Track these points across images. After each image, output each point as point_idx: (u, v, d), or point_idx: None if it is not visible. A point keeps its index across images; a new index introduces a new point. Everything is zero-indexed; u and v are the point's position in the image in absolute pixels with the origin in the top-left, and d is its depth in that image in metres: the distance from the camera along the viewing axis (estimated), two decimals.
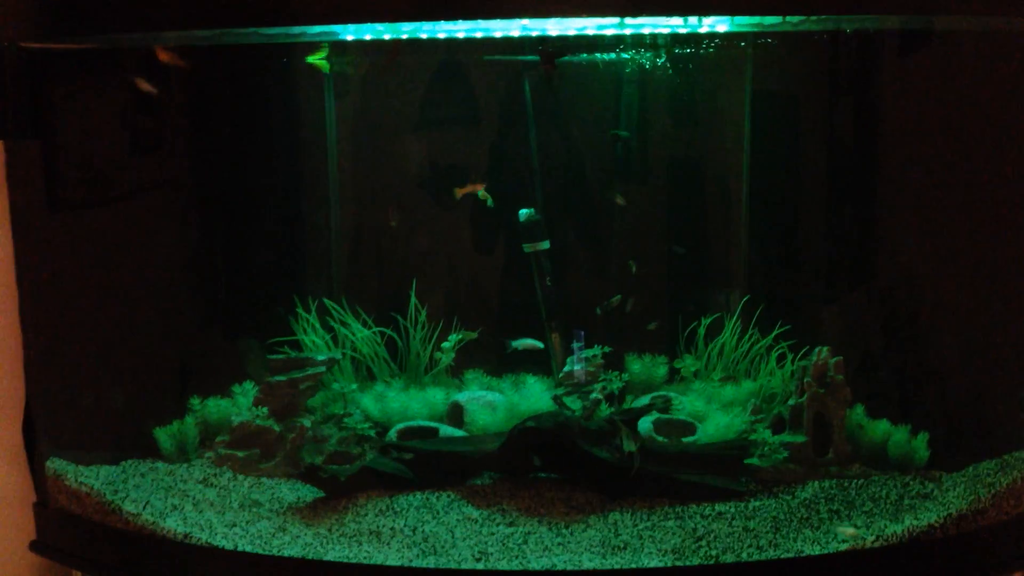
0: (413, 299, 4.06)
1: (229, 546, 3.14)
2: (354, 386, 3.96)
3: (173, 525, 3.23)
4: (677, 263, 4.13)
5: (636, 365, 4.07)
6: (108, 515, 3.34)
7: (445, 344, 4.05)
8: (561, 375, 3.94)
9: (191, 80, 3.74)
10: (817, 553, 3.04)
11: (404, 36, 3.46)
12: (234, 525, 3.26)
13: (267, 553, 3.10)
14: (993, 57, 3.43)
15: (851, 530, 3.14)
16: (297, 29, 3.10)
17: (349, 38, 3.57)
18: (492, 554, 3.09)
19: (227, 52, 3.69)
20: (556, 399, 3.72)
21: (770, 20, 3.17)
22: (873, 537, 3.09)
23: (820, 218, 3.98)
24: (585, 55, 3.83)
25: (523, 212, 4.00)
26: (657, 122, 4.05)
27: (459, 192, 3.98)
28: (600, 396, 3.73)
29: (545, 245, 4.01)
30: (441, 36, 3.49)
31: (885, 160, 3.75)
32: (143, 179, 3.69)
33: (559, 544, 3.13)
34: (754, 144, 3.98)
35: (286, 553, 3.10)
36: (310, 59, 3.86)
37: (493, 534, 3.20)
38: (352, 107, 4.08)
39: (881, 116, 3.77)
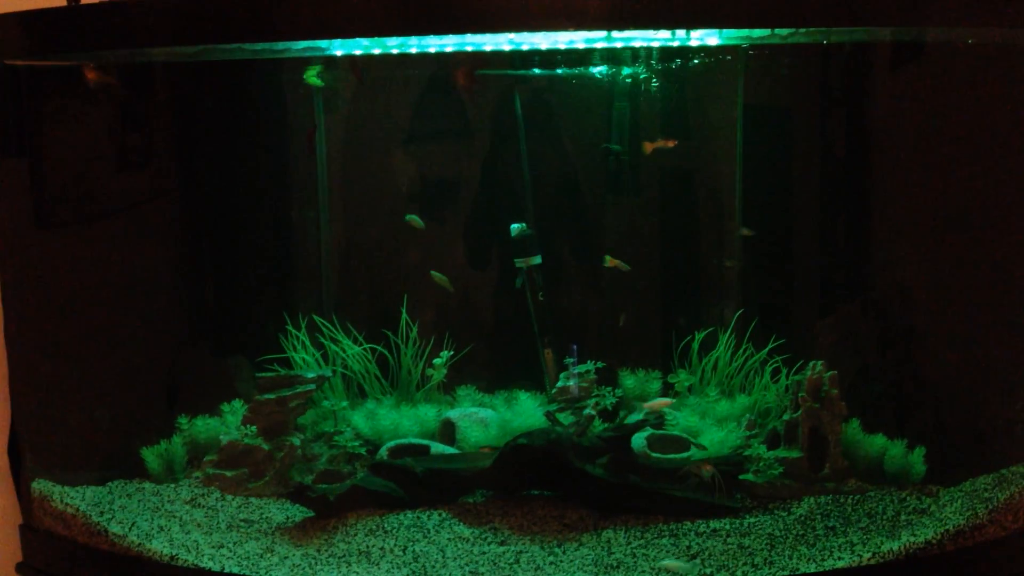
0: (404, 315, 4.02)
1: (216, 568, 3.09)
2: (345, 403, 3.92)
3: (159, 547, 3.19)
4: (673, 273, 4.11)
5: (630, 380, 4.03)
6: (94, 537, 3.30)
7: (437, 360, 4.02)
8: (554, 391, 3.91)
9: (178, 96, 3.73)
10: (813, 571, 3.00)
11: (394, 51, 3.44)
12: (221, 546, 3.21)
13: (254, 575, 3.05)
14: (987, 68, 3.41)
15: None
16: (282, 45, 3.08)
17: (338, 53, 3.56)
18: (483, 574, 3.04)
19: (216, 68, 3.67)
20: (549, 415, 3.68)
21: (759, 33, 3.15)
22: (869, 554, 3.05)
23: (814, 231, 3.95)
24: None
25: (515, 227, 3.97)
26: (648, 135, 4.03)
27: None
28: (593, 412, 3.69)
29: (537, 260, 3.98)
30: (431, 51, 3.48)
31: (879, 172, 3.72)
32: (130, 196, 3.66)
33: (551, 563, 3.09)
34: (747, 156, 3.96)
35: (274, 575, 3.05)
36: (307, 77, 3.84)
37: (484, 553, 3.15)
38: (342, 121, 4.06)
39: (875, 128, 3.74)
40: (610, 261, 3.77)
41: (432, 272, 3.94)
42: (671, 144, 3.86)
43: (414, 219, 3.90)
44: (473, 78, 3.53)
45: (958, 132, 3.48)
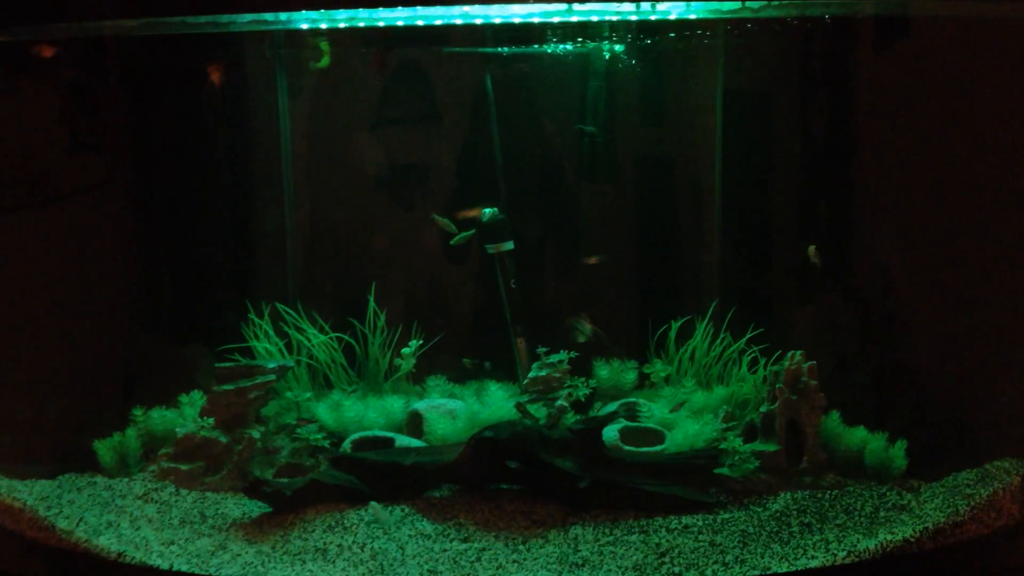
0: (372, 303, 3.90)
1: (164, 565, 2.97)
2: (308, 394, 3.80)
3: (107, 543, 3.07)
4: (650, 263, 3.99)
5: (604, 370, 3.92)
6: (42, 532, 3.18)
7: (405, 350, 3.90)
8: (526, 381, 3.79)
9: (134, 75, 3.60)
10: (785, 570, 2.88)
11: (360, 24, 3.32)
12: (172, 543, 3.10)
13: (204, 573, 2.94)
14: (976, 46, 3.27)
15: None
16: (226, 18, 2.94)
17: (304, 27, 3.44)
18: (442, 572, 2.93)
19: (169, 44, 3.54)
20: (519, 407, 3.56)
21: (729, 6, 3.01)
22: (844, 553, 2.93)
23: (793, 217, 3.83)
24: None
25: (486, 211, 3.84)
26: (624, 117, 3.90)
27: (438, 222, 3.86)
28: (566, 403, 3.58)
29: (509, 246, 3.86)
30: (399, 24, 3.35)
31: (862, 157, 3.60)
32: (81, 178, 3.54)
33: (514, 561, 2.97)
34: (726, 139, 3.82)
35: (224, 573, 2.94)
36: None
37: (445, 551, 3.04)
38: (306, 103, 3.93)
39: (858, 112, 3.63)
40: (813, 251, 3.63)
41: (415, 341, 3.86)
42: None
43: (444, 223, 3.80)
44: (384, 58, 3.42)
45: (947, 115, 3.34)
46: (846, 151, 3.62)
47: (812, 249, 3.59)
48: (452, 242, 3.78)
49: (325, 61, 3.63)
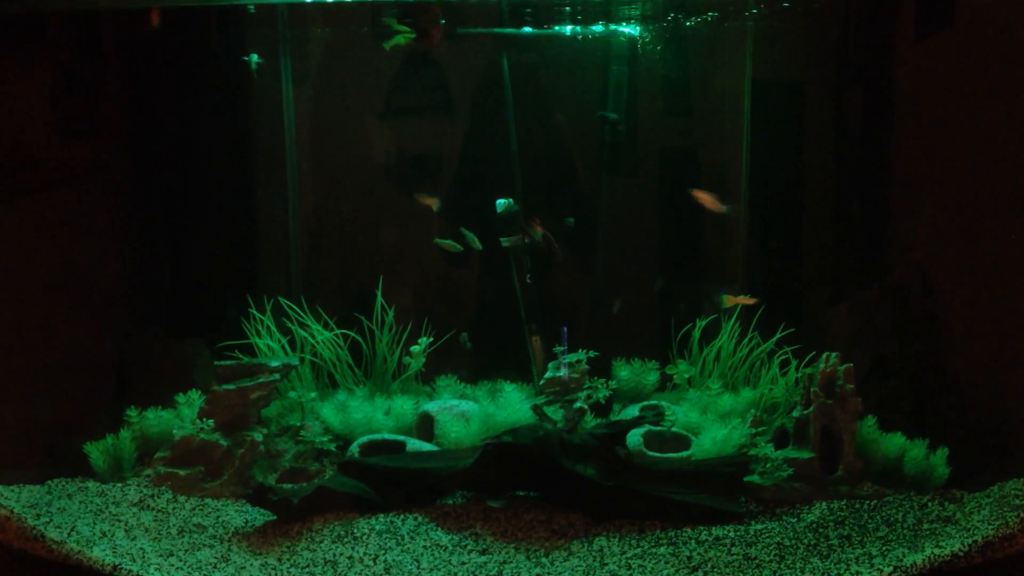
0: (380, 298, 3.73)
1: None
2: (313, 395, 3.63)
3: (101, 554, 2.88)
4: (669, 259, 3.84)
5: (625, 371, 3.75)
6: (30, 542, 2.97)
7: (415, 347, 3.72)
8: (542, 382, 3.62)
9: (126, 55, 3.41)
10: None
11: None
12: (171, 555, 2.90)
13: None
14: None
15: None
16: None
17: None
18: None
19: (169, 22, 3.36)
20: (536, 409, 3.38)
21: None
22: (891, 568, 2.76)
23: (827, 211, 3.69)
24: None
25: (501, 202, 3.67)
26: (647, 106, 3.74)
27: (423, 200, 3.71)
28: (585, 406, 3.41)
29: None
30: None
31: (900, 148, 3.45)
32: (70, 165, 3.36)
33: (537, 575, 2.79)
34: (755, 128, 3.67)
35: None
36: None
37: (464, 563, 2.86)
38: (311, 89, 3.76)
39: (895, 101, 3.47)
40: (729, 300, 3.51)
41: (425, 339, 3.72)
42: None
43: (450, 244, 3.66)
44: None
45: (996, 106, 3.19)
46: (883, 143, 3.47)
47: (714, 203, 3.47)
48: (436, 240, 3.64)
49: (400, 39, 3.44)
